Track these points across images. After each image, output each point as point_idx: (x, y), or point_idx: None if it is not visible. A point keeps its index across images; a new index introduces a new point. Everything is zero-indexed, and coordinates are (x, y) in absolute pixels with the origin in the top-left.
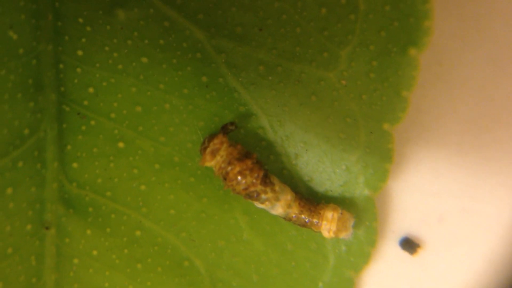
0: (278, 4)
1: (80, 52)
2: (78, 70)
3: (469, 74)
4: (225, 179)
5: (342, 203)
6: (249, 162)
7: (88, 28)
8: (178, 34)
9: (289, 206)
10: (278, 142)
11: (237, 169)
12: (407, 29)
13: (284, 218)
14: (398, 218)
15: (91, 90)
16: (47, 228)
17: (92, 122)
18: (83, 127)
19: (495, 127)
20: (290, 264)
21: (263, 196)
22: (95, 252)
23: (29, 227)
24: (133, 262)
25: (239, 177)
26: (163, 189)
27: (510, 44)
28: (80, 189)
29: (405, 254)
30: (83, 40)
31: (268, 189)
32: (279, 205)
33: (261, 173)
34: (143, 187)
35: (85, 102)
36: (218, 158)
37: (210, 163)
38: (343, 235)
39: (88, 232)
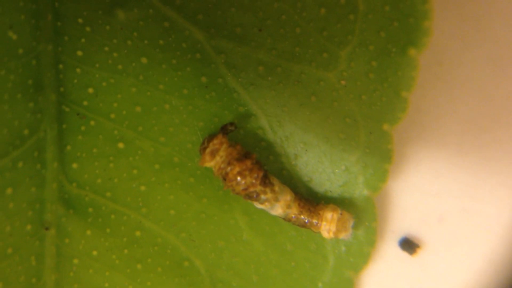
0: (277, 4)
1: (79, 53)
2: (78, 70)
3: (469, 74)
4: (224, 179)
5: (342, 203)
6: (248, 163)
7: (88, 29)
8: (177, 34)
9: (288, 206)
10: (278, 142)
11: (237, 169)
12: (406, 29)
13: (284, 219)
14: (397, 219)
15: (90, 90)
16: (47, 228)
17: (92, 123)
18: (83, 128)
19: (495, 127)
20: (290, 265)
21: (262, 196)
22: (95, 253)
23: (29, 227)
24: (133, 262)
25: (238, 178)
26: (163, 190)
27: (510, 44)
28: (80, 190)
29: (404, 255)
30: (83, 40)
31: (267, 190)
32: (279, 206)
33: (261, 174)
34: (143, 188)
35: (85, 103)
36: (218, 158)
37: (210, 163)
38: (342, 236)
39: (88, 232)
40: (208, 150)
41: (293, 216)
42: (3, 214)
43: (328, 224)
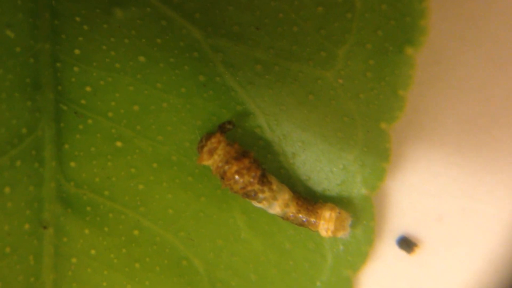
0: (274, 3)
1: (77, 51)
2: (76, 69)
3: (467, 73)
4: (222, 178)
5: (340, 202)
6: (246, 161)
7: (85, 27)
8: (175, 33)
9: (286, 205)
10: (276, 141)
11: (235, 168)
12: (403, 28)
13: (282, 217)
14: (395, 217)
15: (88, 89)
16: (45, 227)
17: (90, 121)
18: (81, 126)
19: (494, 127)
20: (288, 264)
21: (260, 195)
22: (93, 252)
23: (27, 226)
24: (131, 262)
25: (236, 176)
26: (161, 188)
27: (508, 43)
28: (78, 188)
29: (402, 253)
30: (80, 38)
31: (265, 188)
32: (277, 204)
33: (259, 172)
34: (141, 186)
35: (83, 101)
36: (216, 157)
37: (208, 162)
38: (340, 235)
39: (86, 231)
40: (206, 148)
41: (291, 215)
42: (1, 213)
43: (326, 223)
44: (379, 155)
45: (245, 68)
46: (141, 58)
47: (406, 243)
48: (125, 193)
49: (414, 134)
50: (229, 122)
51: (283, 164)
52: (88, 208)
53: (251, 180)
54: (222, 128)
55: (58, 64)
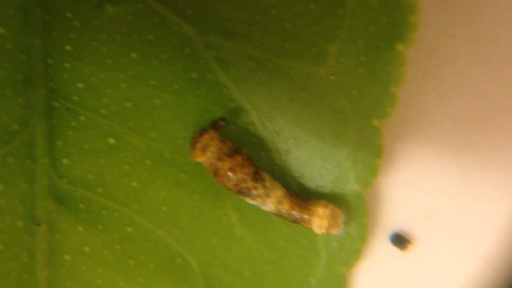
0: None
1: (68, 47)
2: (67, 65)
3: (459, 70)
4: (215, 175)
5: (333, 199)
6: (239, 158)
7: (77, 23)
8: (167, 29)
9: (280, 202)
10: (269, 138)
11: (228, 165)
12: (394, 24)
13: (276, 214)
14: (388, 214)
15: (80, 85)
16: (38, 224)
17: (82, 118)
18: (73, 123)
19: (486, 123)
20: (282, 260)
21: (253, 192)
22: (87, 249)
23: (20, 223)
24: (125, 259)
25: (229, 173)
26: (155, 186)
27: (499, 40)
28: (71, 185)
29: (395, 250)
30: (72, 35)
31: (258, 185)
32: (270, 201)
33: (252, 169)
34: (134, 184)
35: (75, 98)
36: (209, 154)
37: (200, 158)
38: (334, 231)
39: (80, 228)
40: (199, 145)
41: (284, 211)
42: None
43: (319, 220)
44: (371, 151)
45: (238, 64)
46: (133, 55)
47: (399, 240)
48: (118, 190)
49: (406, 131)
50: (222, 119)
51: (276, 161)
52: (81, 205)
53: (244, 177)
54: (215, 125)
55: (50, 61)
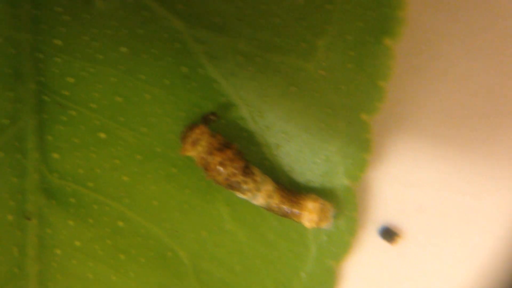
0: None
1: (58, 42)
2: (57, 59)
3: (447, 65)
4: (206, 169)
5: (323, 193)
6: (229, 152)
7: (66, 17)
8: (157, 24)
9: (270, 196)
10: (259, 132)
11: (218, 159)
12: (382, 19)
13: (266, 209)
14: (377, 208)
15: (71, 80)
16: (28, 218)
17: (73, 113)
18: (64, 118)
19: (474, 117)
20: (273, 254)
21: (244, 186)
22: (77, 243)
23: (10, 217)
24: (116, 253)
25: (220, 168)
26: (146, 180)
27: (488, 35)
28: (62, 180)
29: (384, 243)
30: (62, 29)
31: (249, 180)
32: (260, 196)
33: (242, 164)
34: (125, 178)
35: (65, 92)
36: (199, 148)
37: (191, 152)
38: (324, 225)
39: (70, 222)
40: (189, 139)
41: (274, 206)
42: None
43: (309, 214)
44: (360, 146)
45: (228, 59)
46: (124, 49)
47: (388, 234)
48: (109, 184)
49: (396, 125)
50: (213, 114)
51: (267, 155)
52: (72, 200)
53: (235, 171)
54: (205, 120)
55: (40, 55)
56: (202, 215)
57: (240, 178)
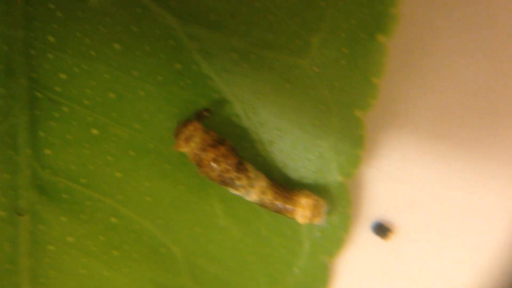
0: None
1: (51, 38)
2: (50, 56)
3: (440, 62)
4: (199, 165)
5: (316, 189)
6: (223, 149)
7: (59, 14)
8: (150, 20)
9: (263, 192)
10: (252, 129)
11: (211, 155)
12: (375, 15)
13: (259, 205)
14: (370, 204)
15: (63, 76)
16: (21, 214)
17: (65, 109)
18: (56, 114)
19: (466, 114)
20: (266, 250)
21: (237, 182)
22: (70, 239)
23: (2, 213)
24: (109, 249)
25: (213, 164)
26: (139, 176)
27: (481, 32)
28: (54, 176)
29: (377, 239)
30: (54, 26)
31: (242, 176)
32: (254, 192)
33: (235, 160)
34: (118, 174)
35: (58, 89)
36: (192, 144)
37: (184, 148)
38: (317, 221)
39: (63, 218)
40: (182, 135)
41: (268, 202)
42: None
43: (302, 210)
44: (353, 142)
45: (222, 56)
46: (117, 46)
47: (381, 229)
48: (102, 181)
49: (389, 122)
50: (206, 110)
51: (260, 151)
52: (65, 196)
53: (228, 167)
54: (199, 116)
55: (32, 51)
56: (195, 211)
57: (233, 174)
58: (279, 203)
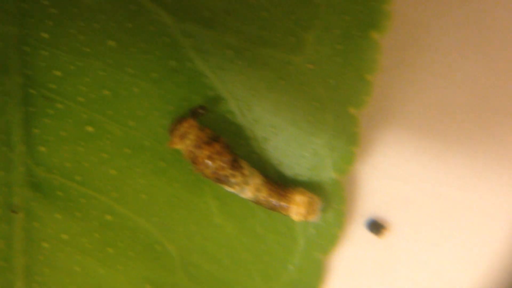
0: None
1: (46, 35)
2: (44, 53)
3: (434, 59)
4: (194, 163)
5: (311, 186)
6: (217, 146)
7: (54, 10)
8: (145, 17)
9: (258, 190)
10: (247, 126)
11: (206, 153)
12: (368, 12)
13: (254, 202)
14: (365, 201)
15: (58, 73)
16: (15, 212)
17: (60, 106)
18: (51, 111)
19: (460, 111)
20: (261, 247)
21: (232, 180)
22: (65, 236)
23: None
24: (104, 246)
25: (208, 161)
26: (134, 174)
27: (474, 29)
28: (49, 173)
29: (371, 236)
30: (49, 22)
31: (237, 173)
32: (248, 189)
33: (230, 157)
34: (113, 172)
35: (52, 86)
36: (187, 142)
37: (179, 146)
38: (311, 218)
39: (58, 216)
40: (177, 132)
41: (263, 199)
42: None
43: (297, 207)
44: (348, 139)
45: (216, 53)
46: (111, 43)
47: (375, 226)
48: (97, 178)
49: (383, 119)
50: (201, 107)
51: (255, 149)
52: (60, 193)
53: (223, 164)
54: (194, 113)
55: (27, 48)
56: (190, 209)
57: (228, 171)
58: (273, 200)
